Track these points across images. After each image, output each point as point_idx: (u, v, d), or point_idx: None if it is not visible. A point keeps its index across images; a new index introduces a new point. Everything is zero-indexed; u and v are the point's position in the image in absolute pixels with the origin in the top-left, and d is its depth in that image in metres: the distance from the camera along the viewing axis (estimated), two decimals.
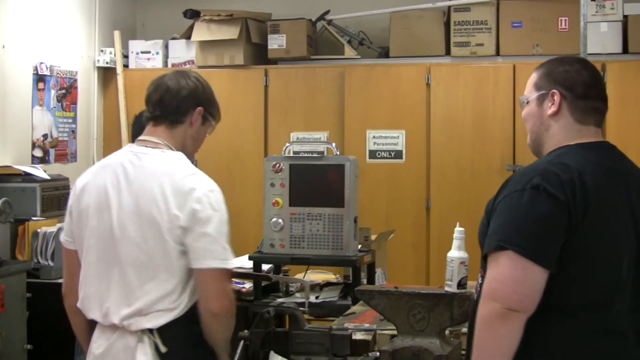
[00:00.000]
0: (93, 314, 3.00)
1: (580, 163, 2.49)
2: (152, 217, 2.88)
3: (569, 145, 2.60)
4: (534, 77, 2.72)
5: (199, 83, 3.23)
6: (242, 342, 3.30)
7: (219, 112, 3.38)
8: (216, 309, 2.88)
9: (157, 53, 7.50)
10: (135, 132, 3.68)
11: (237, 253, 4.73)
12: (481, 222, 2.68)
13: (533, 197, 2.41)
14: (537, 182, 2.42)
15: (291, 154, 4.83)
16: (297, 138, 6.86)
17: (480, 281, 2.55)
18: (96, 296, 2.99)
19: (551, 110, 2.63)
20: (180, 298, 2.92)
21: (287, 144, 4.79)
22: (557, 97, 2.62)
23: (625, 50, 6.49)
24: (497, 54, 6.76)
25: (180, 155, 3.06)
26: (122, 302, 2.93)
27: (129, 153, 3.07)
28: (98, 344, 2.98)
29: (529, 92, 2.71)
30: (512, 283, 2.37)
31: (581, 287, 2.42)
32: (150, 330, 2.91)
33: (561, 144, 2.61)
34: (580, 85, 2.62)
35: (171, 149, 3.05)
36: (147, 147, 3.07)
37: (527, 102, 2.71)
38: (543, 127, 2.66)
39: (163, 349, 2.88)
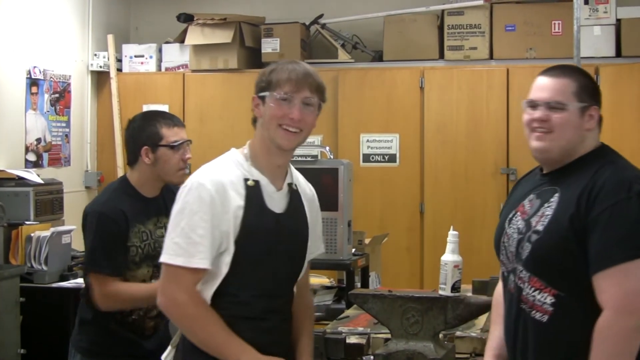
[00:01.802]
0: None
1: None
2: None
3: (614, 153, 2.74)
4: (570, 85, 2.75)
5: None
6: None
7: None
8: (158, 303, 2.84)
9: (151, 57, 7.49)
10: (129, 137, 3.67)
11: None
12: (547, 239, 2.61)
13: None
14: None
15: None
16: None
17: (551, 300, 2.56)
18: None
19: (589, 124, 2.72)
20: None
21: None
22: (596, 115, 2.73)
23: (618, 53, 6.50)
24: (491, 57, 6.77)
25: (228, 155, 2.91)
26: None
27: None
28: None
29: (567, 99, 2.72)
30: None
31: None
32: None
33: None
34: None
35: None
36: None
37: (564, 109, 2.72)
38: (579, 138, 2.72)
39: None
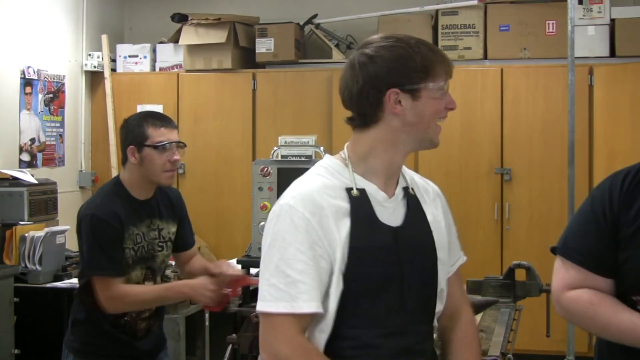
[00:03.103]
0: None
1: None
2: None
3: None
4: None
5: None
6: (230, 346, 3.30)
7: None
8: None
9: (145, 57, 7.48)
10: (120, 136, 3.66)
11: (226, 257, 4.74)
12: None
13: None
14: None
15: (279, 158, 4.82)
16: (285, 142, 6.83)
17: None
18: None
19: None
20: None
21: (275, 148, 4.79)
22: None
23: (612, 53, 6.50)
24: (485, 57, 6.77)
25: (321, 164, 2.34)
26: None
27: None
28: None
29: None
30: None
31: None
32: None
33: None
34: None
35: None
36: None
37: None
38: None
39: None
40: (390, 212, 2.27)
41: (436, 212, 2.41)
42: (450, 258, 2.45)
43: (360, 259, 2.16)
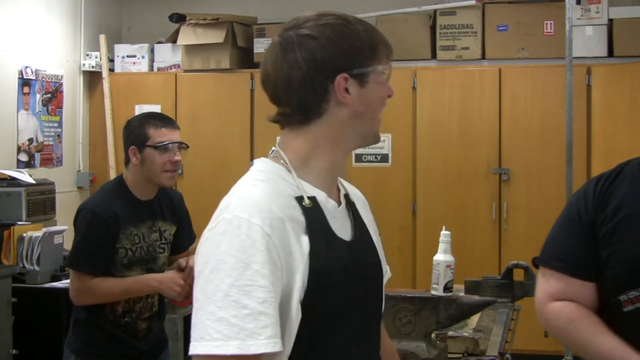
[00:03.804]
0: None
1: None
2: None
3: None
4: None
5: None
6: None
7: None
8: None
9: (143, 57, 7.48)
10: (127, 138, 3.66)
11: None
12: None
13: None
14: None
15: None
16: None
17: None
18: None
19: None
20: None
21: (274, 148, 4.77)
22: None
23: (610, 53, 6.51)
24: (483, 57, 6.77)
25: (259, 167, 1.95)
26: None
27: None
28: None
29: None
30: None
31: None
32: None
33: None
34: None
35: None
36: None
37: None
38: None
39: None
40: (341, 224, 1.92)
41: (369, 223, 2.07)
42: None
43: (320, 281, 1.77)
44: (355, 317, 1.88)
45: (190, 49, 7.19)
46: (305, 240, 1.78)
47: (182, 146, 3.63)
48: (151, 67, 7.50)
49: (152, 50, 7.53)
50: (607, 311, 2.35)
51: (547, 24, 6.63)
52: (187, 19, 7.14)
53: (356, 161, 6.83)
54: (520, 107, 6.60)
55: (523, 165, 6.57)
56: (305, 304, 1.75)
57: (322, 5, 7.44)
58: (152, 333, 3.69)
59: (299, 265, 1.75)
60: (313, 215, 1.82)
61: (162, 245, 3.68)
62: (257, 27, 7.17)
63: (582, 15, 6.44)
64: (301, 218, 1.80)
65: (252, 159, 6.74)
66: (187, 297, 3.62)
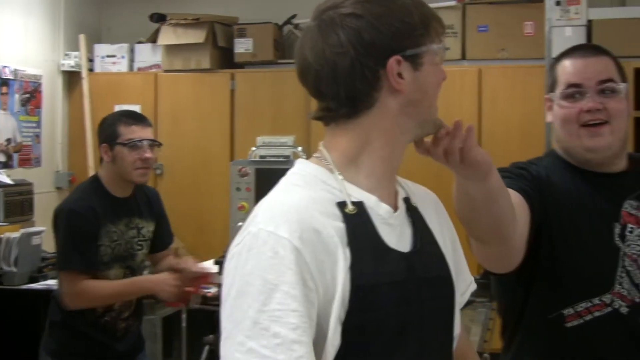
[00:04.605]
0: None
1: None
2: None
3: None
4: (612, 63, 2.34)
5: None
6: (207, 347, 3.29)
7: None
8: None
9: (123, 57, 7.45)
10: (99, 135, 3.66)
11: (204, 258, 4.72)
12: None
13: None
14: None
15: (257, 159, 4.82)
16: (264, 142, 6.84)
17: None
18: None
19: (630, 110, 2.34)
20: None
21: (253, 148, 4.78)
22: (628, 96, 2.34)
23: None
24: (463, 57, 6.78)
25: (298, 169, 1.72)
26: None
27: None
28: None
29: (617, 79, 2.30)
30: None
31: None
32: None
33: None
34: None
35: None
36: None
37: (617, 91, 2.29)
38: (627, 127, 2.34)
39: None
40: (397, 232, 1.65)
41: (440, 229, 1.82)
42: (459, 284, 1.81)
43: (366, 301, 1.52)
44: (413, 342, 1.59)
45: (171, 49, 7.17)
46: (346, 252, 1.52)
47: (154, 144, 3.63)
48: (131, 67, 7.47)
49: (132, 50, 7.50)
50: (543, 328, 2.22)
51: (527, 24, 6.64)
52: (168, 18, 7.11)
53: None
54: (501, 108, 6.61)
55: (503, 165, 6.57)
56: (347, 326, 1.50)
57: (303, 7, 7.43)
58: (130, 333, 3.69)
59: (339, 280, 1.50)
60: (356, 224, 1.55)
61: (139, 243, 3.67)
62: (237, 27, 7.15)
63: (561, 16, 6.46)
64: (341, 227, 1.54)
65: (232, 159, 6.72)
66: (181, 300, 3.63)
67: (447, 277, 1.71)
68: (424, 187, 1.92)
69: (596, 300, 2.17)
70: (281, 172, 1.75)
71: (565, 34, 6.53)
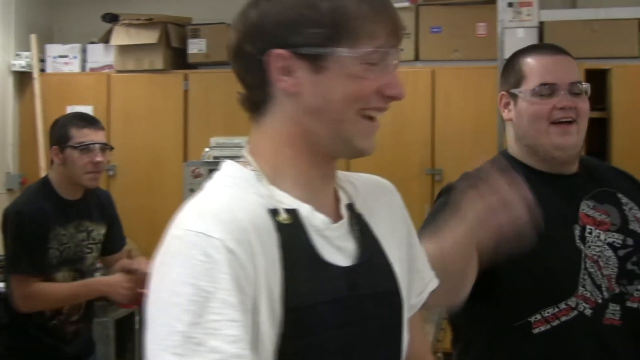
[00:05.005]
0: None
1: None
2: None
3: None
4: (575, 63, 2.35)
5: None
6: None
7: None
8: None
9: (75, 57, 7.39)
10: (50, 137, 3.63)
11: None
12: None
13: None
14: None
15: (211, 159, 4.80)
16: (217, 143, 6.82)
17: None
18: None
19: None
20: None
21: (207, 149, 4.76)
22: None
23: None
24: (417, 59, 6.81)
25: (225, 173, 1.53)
26: None
27: None
28: None
29: (583, 81, 2.31)
30: None
31: None
32: None
33: None
34: None
35: None
36: None
37: (584, 93, 2.31)
38: None
39: None
40: (335, 245, 1.45)
41: (392, 228, 1.60)
42: (415, 284, 1.64)
43: (303, 324, 1.33)
44: (354, 354, 1.41)
45: (124, 49, 7.12)
46: (276, 267, 1.34)
47: (105, 147, 3.60)
48: (83, 68, 7.40)
49: (84, 51, 7.43)
50: (508, 335, 2.21)
51: (479, 26, 6.69)
52: (121, 19, 7.06)
53: None
54: (454, 108, 6.66)
55: (456, 166, 6.61)
56: (283, 353, 1.31)
57: None
58: (80, 337, 3.66)
59: (266, 295, 1.31)
60: (290, 235, 1.37)
61: (89, 246, 3.64)
62: (191, 28, 7.12)
63: (513, 18, 6.52)
64: (274, 236, 1.35)
65: (185, 159, 6.70)
66: (134, 301, 3.61)
67: (394, 291, 1.52)
68: (377, 177, 1.67)
69: (562, 305, 2.18)
70: None
71: (517, 35, 6.59)
